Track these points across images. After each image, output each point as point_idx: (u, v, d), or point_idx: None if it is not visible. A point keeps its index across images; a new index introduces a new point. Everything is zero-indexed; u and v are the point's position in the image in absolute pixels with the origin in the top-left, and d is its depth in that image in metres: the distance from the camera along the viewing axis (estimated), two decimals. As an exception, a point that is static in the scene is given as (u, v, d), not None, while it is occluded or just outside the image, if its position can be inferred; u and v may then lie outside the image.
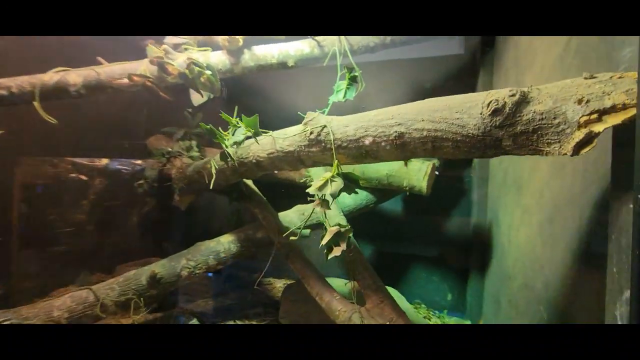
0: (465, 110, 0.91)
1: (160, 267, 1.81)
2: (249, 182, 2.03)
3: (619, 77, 0.74)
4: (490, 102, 0.86)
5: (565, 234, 1.21)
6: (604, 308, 0.97)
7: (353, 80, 1.56)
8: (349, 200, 2.12)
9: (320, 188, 1.09)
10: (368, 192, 2.15)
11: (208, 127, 1.40)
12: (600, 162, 1.03)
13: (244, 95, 2.44)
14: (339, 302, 1.56)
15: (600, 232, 1.05)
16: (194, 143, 2.45)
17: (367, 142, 1.13)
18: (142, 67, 1.88)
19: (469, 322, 2.30)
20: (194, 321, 1.89)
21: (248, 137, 1.47)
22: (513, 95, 0.82)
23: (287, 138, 1.38)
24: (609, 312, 0.79)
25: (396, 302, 1.45)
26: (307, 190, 1.14)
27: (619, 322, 0.78)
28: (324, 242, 1.15)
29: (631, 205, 0.69)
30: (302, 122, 1.35)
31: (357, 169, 2.08)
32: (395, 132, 1.06)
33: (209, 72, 1.70)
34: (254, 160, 1.54)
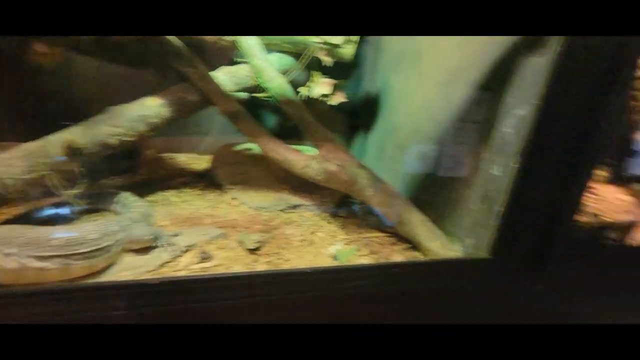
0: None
1: (77, 135, 1.48)
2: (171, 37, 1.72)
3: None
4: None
5: (462, 89, 1.76)
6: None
7: None
8: (276, 64, 2.12)
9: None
10: (293, 58, 2.19)
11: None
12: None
13: None
14: (295, 154, 1.78)
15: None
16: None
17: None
18: None
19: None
20: (127, 195, 1.72)
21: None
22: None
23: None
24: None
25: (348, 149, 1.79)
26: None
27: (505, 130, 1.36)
28: (315, 92, 1.27)
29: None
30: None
31: (284, 30, 2.04)
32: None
33: None
34: None
